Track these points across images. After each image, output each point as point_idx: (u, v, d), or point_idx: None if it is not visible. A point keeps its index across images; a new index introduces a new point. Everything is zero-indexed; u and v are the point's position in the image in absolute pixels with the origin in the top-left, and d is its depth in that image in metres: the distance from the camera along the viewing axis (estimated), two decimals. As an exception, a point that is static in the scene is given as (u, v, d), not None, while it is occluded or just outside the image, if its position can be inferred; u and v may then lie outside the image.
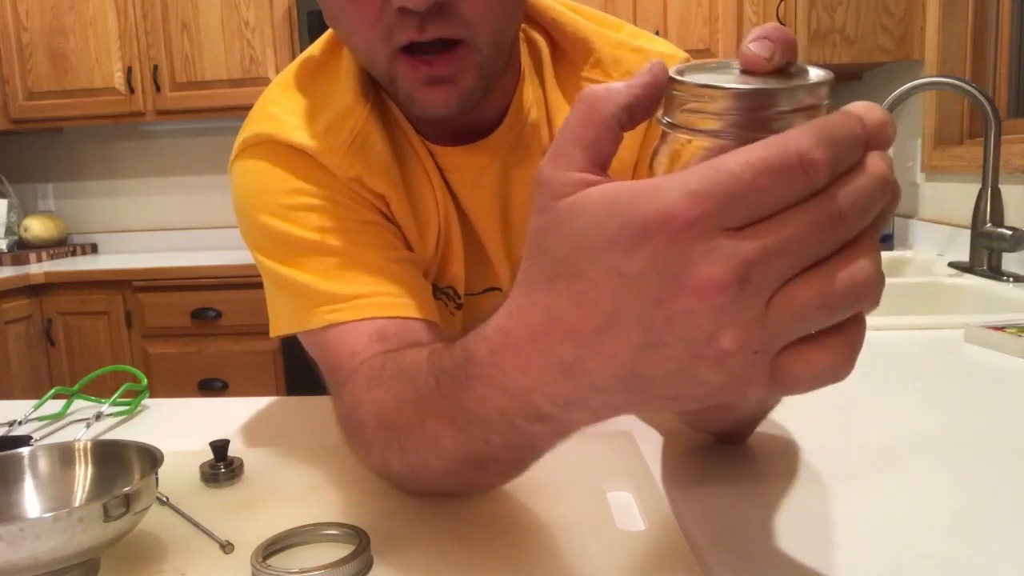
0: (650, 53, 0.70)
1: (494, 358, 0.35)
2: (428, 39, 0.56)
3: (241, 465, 0.60)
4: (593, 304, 0.29)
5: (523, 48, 0.70)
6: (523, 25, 0.71)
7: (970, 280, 1.43)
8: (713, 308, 0.27)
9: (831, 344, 0.28)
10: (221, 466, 0.59)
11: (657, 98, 0.32)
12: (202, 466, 0.59)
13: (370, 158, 0.65)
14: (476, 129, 0.68)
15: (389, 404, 0.48)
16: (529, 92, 0.69)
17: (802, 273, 0.27)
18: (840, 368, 0.28)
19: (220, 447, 0.60)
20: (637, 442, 0.63)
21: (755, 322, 0.27)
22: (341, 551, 0.45)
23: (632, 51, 0.70)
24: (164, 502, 0.54)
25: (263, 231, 0.64)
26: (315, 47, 0.70)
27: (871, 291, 0.27)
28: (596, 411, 0.34)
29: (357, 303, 0.60)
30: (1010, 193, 1.48)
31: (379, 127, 0.66)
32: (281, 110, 0.66)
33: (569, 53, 0.70)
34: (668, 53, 0.71)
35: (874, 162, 0.27)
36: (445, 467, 0.45)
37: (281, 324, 0.65)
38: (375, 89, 0.67)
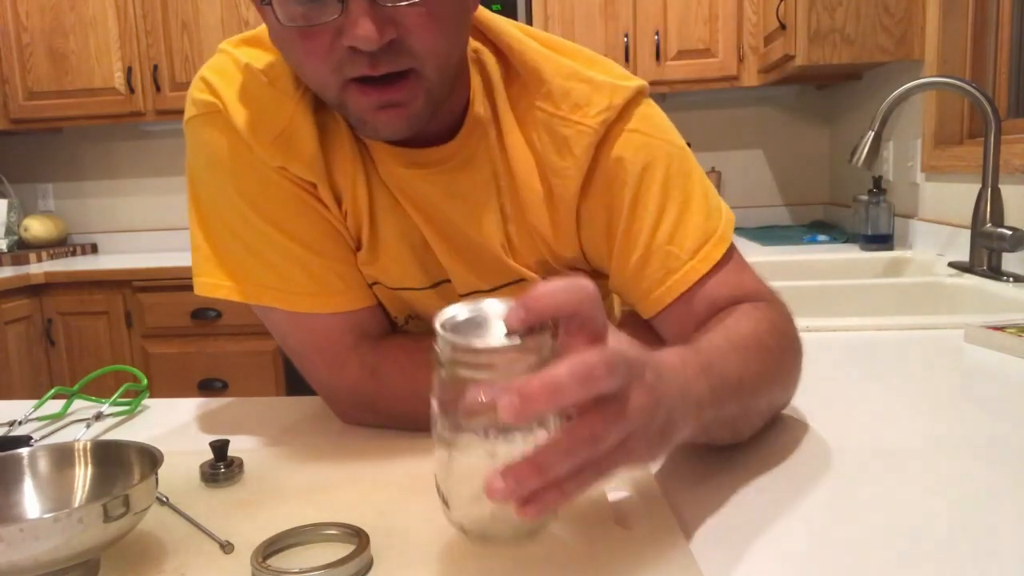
0: (602, 84, 0.70)
1: None
2: (379, 74, 0.59)
3: (241, 465, 0.60)
4: None
5: (473, 70, 0.71)
6: (476, 45, 0.72)
7: (970, 280, 1.43)
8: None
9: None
10: (221, 466, 0.59)
11: None
12: (202, 466, 0.59)
13: (295, 152, 0.67)
14: (418, 138, 0.68)
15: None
16: (480, 111, 0.70)
17: None
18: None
19: (220, 447, 0.60)
20: (637, 442, 0.63)
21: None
22: (341, 551, 0.45)
23: (582, 81, 0.70)
24: (164, 502, 0.54)
25: (197, 185, 0.72)
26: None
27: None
28: None
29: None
30: (1010, 193, 1.48)
31: (310, 121, 0.68)
32: (233, 75, 0.69)
33: (523, 76, 0.71)
34: (621, 84, 0.70)
35: None
36: None
37: (199, 273, 0.72)
38: None
